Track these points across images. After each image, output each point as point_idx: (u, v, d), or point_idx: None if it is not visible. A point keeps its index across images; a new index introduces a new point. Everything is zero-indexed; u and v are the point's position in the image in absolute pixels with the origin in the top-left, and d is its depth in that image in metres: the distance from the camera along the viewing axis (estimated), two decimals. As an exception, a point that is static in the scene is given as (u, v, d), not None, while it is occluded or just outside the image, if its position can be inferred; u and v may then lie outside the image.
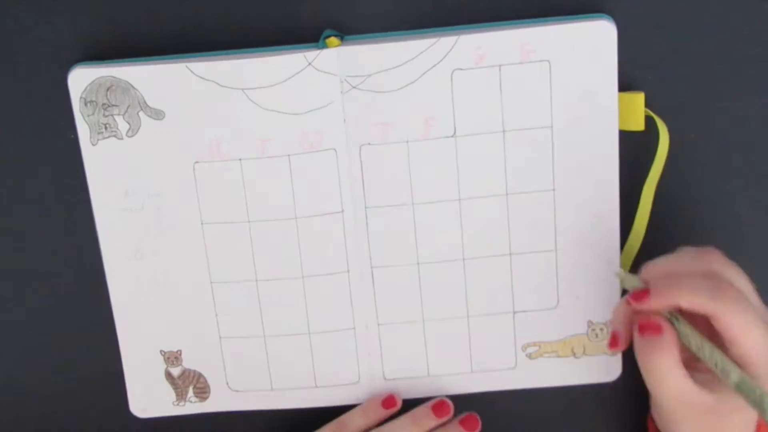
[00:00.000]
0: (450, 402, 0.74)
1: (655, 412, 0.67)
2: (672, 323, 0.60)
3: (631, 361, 0.66)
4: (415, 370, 0.74)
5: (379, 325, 0.72)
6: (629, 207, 0.70)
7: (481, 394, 0.74)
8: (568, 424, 0.75)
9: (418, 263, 0.71)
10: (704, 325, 0.60)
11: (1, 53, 0.70)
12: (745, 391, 0.58)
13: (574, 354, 0.73)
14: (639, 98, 0.68)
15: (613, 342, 0.64)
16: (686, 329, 0.60)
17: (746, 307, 0.59)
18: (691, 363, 0.61)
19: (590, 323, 0.72)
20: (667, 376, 0.60)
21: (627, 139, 0.68)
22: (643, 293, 0.60)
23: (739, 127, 0.70)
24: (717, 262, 0.61)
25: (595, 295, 0.71)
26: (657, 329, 0.60)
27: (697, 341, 0.60)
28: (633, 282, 0.63)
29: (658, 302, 0.60)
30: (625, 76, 0.67)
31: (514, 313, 0.72)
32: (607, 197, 0.69)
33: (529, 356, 0.73)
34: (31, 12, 0.69)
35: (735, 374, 0.58)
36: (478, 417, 0.74)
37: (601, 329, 0.72)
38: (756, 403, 0.57)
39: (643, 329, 0.60)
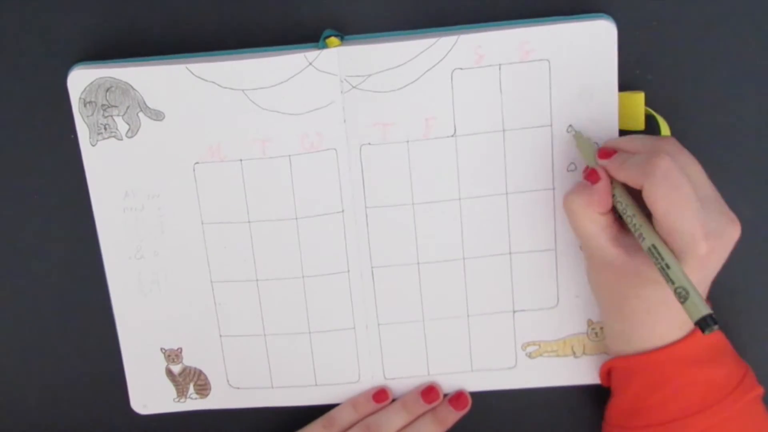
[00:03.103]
0: (439, 386, 0.74)
1: (586, 264, 0.68)
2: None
3: (630, 361, 0.66)
4: (415, 369, 0.74)
5: (379, 324, 0.73)
6: (629, 207, 0.70)
7: (481, 393, 0.74)
8: (568, 424, 0.75)
9: (418, 263, 0.71)
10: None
11: (1, 53, 0.70)
12: (654, 257, 0.60)
13: (573, 353, 0.73)
14: (639, 98, 0.68)
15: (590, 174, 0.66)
16: (618, 192, 0.63)
17: (675, 184, 0.60)
18: (623, 230, 0.65)
19: (590, 323, 0.72)
20: (583, 218, 0.64)
21: (627, 138, 0.68)
22: (608, 152, 0.64)
23: (739, 127, 0.70)
24: (669, 145, 0.63)
25: (595, 294, 0.71)
26: (595, 177, 0.63)
27: (624, 203, 0.63)
28: (587, 148, 0.66)
29: (608, 166, 0.63)
30: (625, 76, 0.67)
31: (514, 312, 0.72)
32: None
33: (529, 355, 0.73)
34: (31, 12, 0.69)
35: (648, 240, 0.61)
36: (467, 394, 0.74)
37: (601, 329, 0.72)
38: (662, 270, 0.60)
39: (587, 175, 0.64)
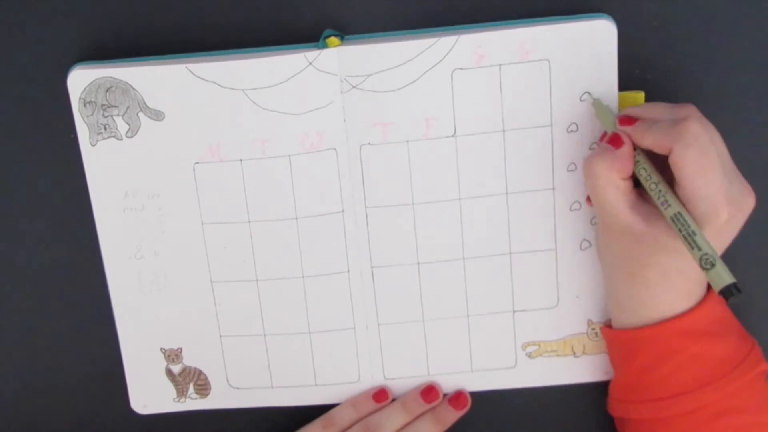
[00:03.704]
0: (439, 386, 0.74)
1: (597, 232, 0.68)
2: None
3: (630, 361, 0.66)
4: (415, 369, 0.74)
5: (379, 324, 0.73)
6: (629, 206, 0.70)
7: (481, 393, 0.74)
8: (568, 424, 0.75)
9: (418, 263, 0.71)
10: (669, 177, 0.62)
11: (1, 53, 0.70)
12: (679, 224, 0.60)
13: (573, 353, 0.73)
14: (639, 98, 0.68)
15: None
16: (641, 158, 0.63)
17: (704, 148, 0.60)
18: (641, 198, 0.64)
19: (590, 322, 0.72)
20: (605, 182, 0.63)
21: (627, 138, 0.68)
22: (630, 119, 0.63)
23: (738, 127, 0.69)
24: (692, 112, 0.63)
25: (595, 294, 0.71)
26: (618, 142, 0.63)
27: (648, 169, 0.62)
28: (607, 115, 0.65)
29: (632, 132, 0.63)
30: (625, 76, 0.67)
31: (514, 312, 0.72)
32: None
33: (529, 355, 0.73)
34: (31, 12, 0.69)
35: (674, 207, 0.60)
36: (467, 393, 0.74)
37: (601, 328, 0.72)
38: (687, 237, 0.59)
39: (609, 139, 0.63)
